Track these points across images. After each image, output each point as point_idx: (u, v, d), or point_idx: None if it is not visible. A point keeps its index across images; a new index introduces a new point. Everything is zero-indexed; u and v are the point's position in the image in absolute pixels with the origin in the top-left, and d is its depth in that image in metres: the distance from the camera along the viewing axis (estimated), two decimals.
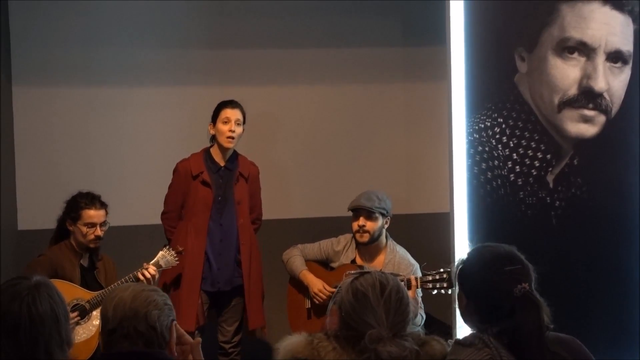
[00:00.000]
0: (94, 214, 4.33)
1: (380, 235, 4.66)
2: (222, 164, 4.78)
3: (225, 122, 4.71)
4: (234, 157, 4.82)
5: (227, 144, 4.72)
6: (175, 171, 4.81)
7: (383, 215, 4.62)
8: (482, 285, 2.42)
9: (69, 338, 2.32)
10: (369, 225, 4.60)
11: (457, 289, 2.53)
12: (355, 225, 4.63)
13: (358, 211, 4.62)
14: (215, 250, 4.74)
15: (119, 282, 4.27)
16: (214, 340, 4.89)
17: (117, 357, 2.33)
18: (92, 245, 4.35)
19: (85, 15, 5.62)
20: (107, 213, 4.40)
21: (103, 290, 4.26)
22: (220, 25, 5.83)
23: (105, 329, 2.42)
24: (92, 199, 4.36)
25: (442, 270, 4.38)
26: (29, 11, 5.56)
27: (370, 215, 4.59)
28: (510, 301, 2.35)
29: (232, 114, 4.73)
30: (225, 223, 4.76)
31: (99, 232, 4.33)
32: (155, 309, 2.40)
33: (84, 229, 4.31)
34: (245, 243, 4.77)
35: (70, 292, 4.15)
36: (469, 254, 2.52)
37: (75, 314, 4.17)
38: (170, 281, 4.69)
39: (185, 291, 4.66)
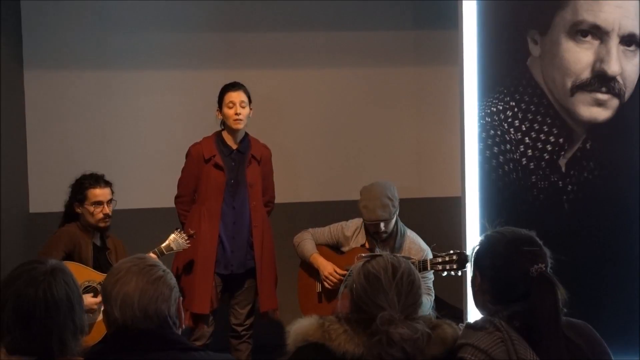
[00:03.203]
0: (99, 193, 4.35)
1: (392, 231, 4.64)
2: (234, 147, 4.78)
3: (230, 106, 4.71)
4: (245, 140, 4.82)
5: (235, 125, 4.72)
6: (187, 155, 4.82)
7: (396, 208, 4.60)
8: (499, 262, 2.42)
9: (83, 325, 2.31)
10: (388, 227, 4.58)
11: (472, 268, 2.53)
12: (372, 229, 4.60)
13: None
14: (228, 233, 4.75)
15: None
16: (226, 323, 4.91)
17: (130, 337, 2.31)
18: (102, 225, 4.36)
19: (95, 1, 5.62)
20: (112, 191, 4.42)
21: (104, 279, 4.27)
22: (232, 9, 5.82)
23: (113, 326, 2.33)
24: (96, 179, 4.39)
25: (451, 251, 4.37)
26: None
27: (387, 219, 4.57)
28: (526, 281, 2.35)
29: (236, 96, 4.72)
30: (237, 206, 4.76)
31: (106, 209, 4.35)
32: (163, 302, 2.32)
33: (92, 208, 4.33)
34: (257, 225, 4.78)
35: (82, 273, 4.16)
36: (488, 234, 2.52)
37: (97, 300, 4.18)
38: (184, 265, 4.70)
39: (200, 275, 4.67)
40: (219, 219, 4.72)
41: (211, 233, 4.70)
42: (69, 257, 4.22)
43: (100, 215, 4.34)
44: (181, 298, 2.43)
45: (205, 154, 4.73)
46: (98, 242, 4.42)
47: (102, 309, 4.09)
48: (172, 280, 2.39)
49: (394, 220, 4.59)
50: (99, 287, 4.22)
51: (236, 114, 4.70)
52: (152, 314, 2.30)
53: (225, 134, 4.80)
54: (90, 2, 5.62)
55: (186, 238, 4.50)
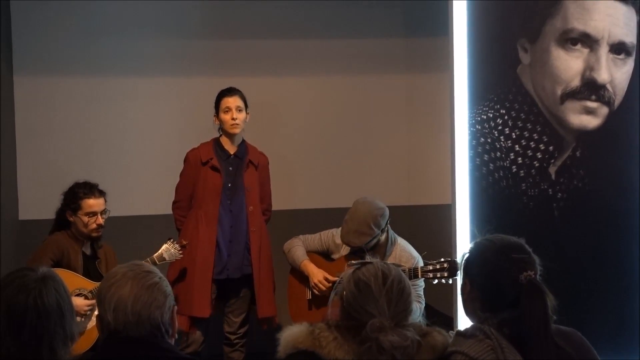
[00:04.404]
0: (93, 203, 4.33)
1: (378, 240, 4.58)
2: (231, 152, 4.81)
3: (227, 111, 4.76)
4: (243, 146, 4.86)
5: (232, 130, 4.76)
6: (185, 160, 4.85)
7: (377, 235, 4.48)
8: (488, 269, 2.42)
9: (73, 333, 2.30)
10: (366, 245, 4.50)
11: (461, 276, 2.53)
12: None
13: None
14: (225, 237, 4.76)
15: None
16: (220, 331, 4.90)
17: (121, 345, 2.30)
18: (94, 234, 4.35)
19: (86, 6, 5.62)
20: (106, 201, 4.40)
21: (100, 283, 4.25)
22: (222, 16, 5.83)
23: (105, 330, 2.31)
24: (90, 188, 4.36)
25: (442, 259, 4.36)
26: (30, 2, 5.55)
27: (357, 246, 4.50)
28: (515, 288, 2.35)
29: (232, 101, 4.76)
30: (235, 209, 4.78)
31: (100, 220, 4.33)
32: (157, 308, 2.30)
33: (86, 219, 4.31)
34: (255, 230, 4.79)
35: (73, 281, 4.15)
36: (477, 242, 2.53)
37: (88, 302, 4.17)
38: (182, 269, 4.71)
39: (198, 278, 4.69)
40: (217, 222, 4.73)
41: (209, 236, 4.72)
42: (57, 265, 4.20)
43: (94, 226, 4.32)
44: (176, 307, 2.41)
45: (203, 157, 4.77)
46: (88, 251, 4.41)
47: (93, 315, 4.14)
48: (168, 288, 2.38)
49: (373, 243, 4.47)
50: (89, 295, 4.22)
51: (232, 118, 4.73)
52: (144, 319, 2.28)
53: (223, 139, 4.83)
54: (80, 9, 5.62)
55: (179, 248, 4.50)
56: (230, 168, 4.79)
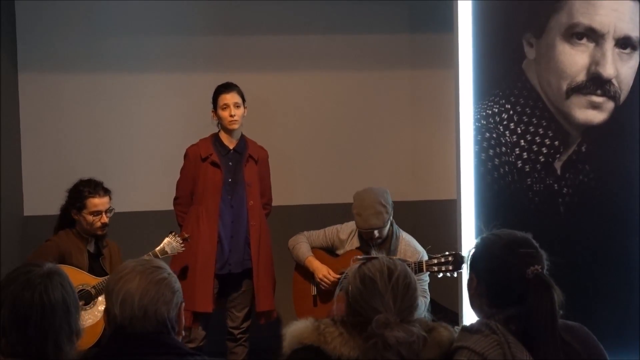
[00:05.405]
0: (98, 202, 4.31)
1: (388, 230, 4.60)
2: (231, 147, 4.81)
3: (224, 108, 4.76)
4: (242, 141, 4.86)
5: (231, 126, 4.76)
6: (185, 156, 4.86)
7: (391, 213, 4.54)
8: (495, 264, 2.41)
9: (79, 329, 2.31)
10: (382, 233, 4.53)
11: (468, 271, 2.52)
12: (365, 236, 4.56)
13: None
14: (227, 232, 4.77)
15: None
16: (223, 326, 4.90)
17: (126, 341, 2.30)
18: (99, 232, 4.33)
19: (89, 4, 5.62)
20: (110, 199, 4.38)
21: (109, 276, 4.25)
22: (226, 12, 5.83)
23: (112, 324, 2.32)
24: (95, 187, 4.33)
25: (447, 253, 4.36)
26: (34, 0, 5.56)
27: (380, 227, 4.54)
28: (522, 284, 2.34)
29: (230, 98, 4.76)
30: (235, 204, 4.79)
31: (105, 219, 4.31)
32: (164, 304, 2.31)
33: (90, 218, 4.29)
34: (255, 224, 4.80)
35: (77, 277, 4.14)
36: (484, 237, 2.51)
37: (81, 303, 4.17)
38: (184, 265, 4.71)
39: (200, 274, 4.70)
40: (218, 218, 4.73)
41: (210, 232, 4.72)
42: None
43: (99, 224, 4.30)
44: (183, 304, 2.41)
45: (202, 153, 4.77)
46: (92, 249, 4.39)
47: (96, 311, 4.14)
48: (176, 284, 2.38)
49: (387, 227, 4.55)
50: (93, 291, 4.22)
51: (231, 115, 4.72)
52: (151, 315, 2.28)
53: (222, 135, 4.83)
54: (85, 5, 5.62)
55: (180, 241, 4.49)
56: (230, 163, 4.80)
